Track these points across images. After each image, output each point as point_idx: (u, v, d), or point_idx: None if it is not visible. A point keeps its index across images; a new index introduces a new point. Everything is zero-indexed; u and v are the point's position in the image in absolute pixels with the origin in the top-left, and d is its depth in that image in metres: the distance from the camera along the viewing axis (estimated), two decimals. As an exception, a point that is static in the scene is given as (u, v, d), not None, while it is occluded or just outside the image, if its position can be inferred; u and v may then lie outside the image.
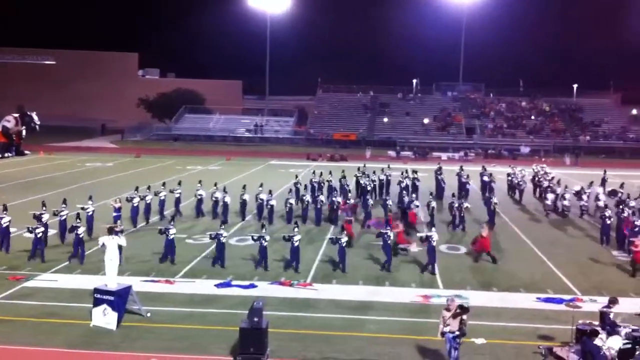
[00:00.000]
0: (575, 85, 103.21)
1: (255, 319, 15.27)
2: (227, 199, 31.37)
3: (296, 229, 23.84)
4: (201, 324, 17.99)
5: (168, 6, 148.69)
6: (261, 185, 33.28)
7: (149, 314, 18.45)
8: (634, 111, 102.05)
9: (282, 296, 20.54)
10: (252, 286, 21.47)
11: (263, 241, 23.16)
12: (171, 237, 23.58)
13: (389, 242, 23.71)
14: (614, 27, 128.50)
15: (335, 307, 19.73)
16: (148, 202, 30.50)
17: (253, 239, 23.63)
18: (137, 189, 30.86)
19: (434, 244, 23.60)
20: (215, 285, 21.44)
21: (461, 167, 43.26)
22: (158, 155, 67.23)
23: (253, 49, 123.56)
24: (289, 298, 20.42)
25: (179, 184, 33.73)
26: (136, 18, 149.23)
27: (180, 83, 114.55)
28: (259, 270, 23.20)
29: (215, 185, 33.20)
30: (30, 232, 23.97)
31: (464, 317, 14.98)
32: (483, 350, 16.51)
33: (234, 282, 21.73)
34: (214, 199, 31.89)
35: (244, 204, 31.92)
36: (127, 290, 18.24)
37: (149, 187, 31.21)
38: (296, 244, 23.24)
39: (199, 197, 32.22)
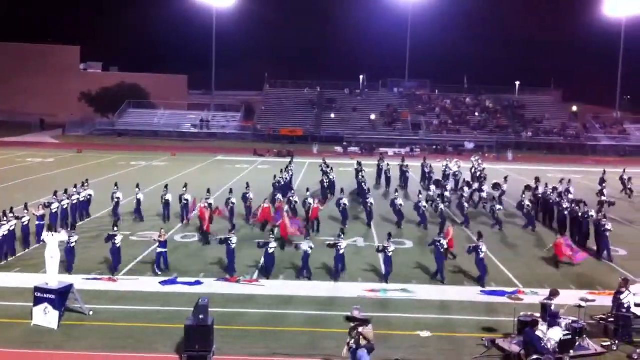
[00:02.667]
0: (517, 83, 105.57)
1: (201, 316, 15.12)
2: (140, 196, 30.78)
3: (342, 236, 23.14)
4: (146, 322, 17.72)
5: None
6: (185, 186, 32.09)
7: (91, 312, 18.08)
8: (574, 108, 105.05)
9: (228, 293, 20.38)
10: (198, 283, 21.26)
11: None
12: (233, 246, 22.46)
13: (441, 250, 22.80)
14: (555, 26, 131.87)
15: (283, 303, 19.67)
16: (65, 207, 28.62)
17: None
18: (55, 193, 29.05)
19: (341, 251, 22.50)
20: (160, 283, 21.17)
21: (403, 158, 46.62)
22: (101, 150, 65.88)
23: (199, 43, 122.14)
24: (235, 295, 20.28)
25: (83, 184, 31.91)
26: (78, 10, 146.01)
27: (124, 77, 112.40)
28: (205, 267, 22.96)
29: (116, 185, 31.77)
30: None
31: (360, 329, 13.94)
32: (428, 343, 16.70)
33: (179, 280, 21.48)
34: (115, 199, 30.61)
35: (166, 204, 30.98)
36: (68, 288, 17.83)
37: (65, 191, 29.85)
38: (342, 251, 22.38)
39: (116, 199, 30.64)
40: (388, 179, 42.42)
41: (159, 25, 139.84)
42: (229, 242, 22.29)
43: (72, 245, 21.97)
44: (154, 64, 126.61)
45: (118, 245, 22.34)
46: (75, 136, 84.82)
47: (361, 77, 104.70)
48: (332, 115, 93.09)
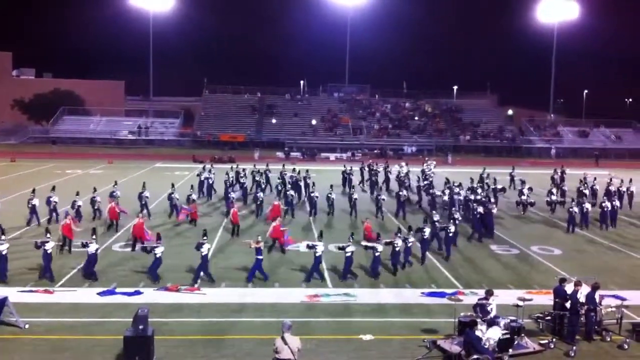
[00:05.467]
0: (455, 87, 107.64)
1: (141, 327, 14.83)
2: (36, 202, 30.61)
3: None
4: (83, 334, 17.24)
5: (43, 2, 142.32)
6: (53, 188, 32.55)
7: (26, 326, 17.49)
8: (510, 111, 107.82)
9: (168, 302, 20.03)
10: (138, 293, 20.81)
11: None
12: (319, 254, 22.45)
13: (409, 246, 24.21)
14: (491, 33, 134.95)
15: (224, 310, 19.47)
16: None
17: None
18: None
19: (377, 254, 23.35)
20: (98, 294, 20.63)
21: (375, 162, 50.42)
22: (35, 159, 64.14)
23: (135, 48, 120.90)
24: (176, 304, 19.94)
25: None
26: (9, 14, 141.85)
27: (58, 83, 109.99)
28: (145, 276, 22.51)
29: (33, 191, 31.75)
30: None
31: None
32: (370, 347, 16.77)
33: (118, 290, 21.01)
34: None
35: (33, 209, 30.71)
36: (2, 301, 17.25)
37: None
38: (377, 253, 23.07)
39: None
40: (389, 182, 45.59)
41: (94, 29, 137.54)
42: (316, 249, 22.54)
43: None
44: (90, 69, 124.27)
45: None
46: (8, 144, 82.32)
47: (302, 82, 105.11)
48: (273, 121, 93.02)
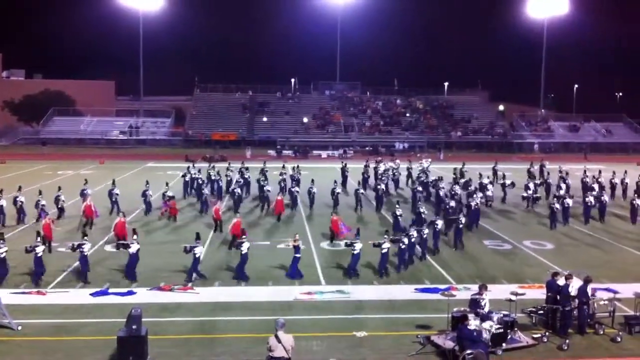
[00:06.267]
0: (446, 84, 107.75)
1: (134, 327, 14.78)
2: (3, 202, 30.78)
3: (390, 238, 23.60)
4: (77, 335, 17.21)
5: (33, 2, 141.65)
6: (19, 188, 32.64)
7: (19, 327, 17.44)
8: (501, 107, 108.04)
9: (162, 302, 20.00)
10: (131, 293, 20.77)
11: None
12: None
13: (403, 247, 23.64)
14: (482, 29, 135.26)
15: (218, 309, 19.46)
16: None
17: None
18: None
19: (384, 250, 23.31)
20: (90, 294, 20.57)
21: (380, 160, 50.54)
22: (26, 160, 63.89)
23: (126, 47, 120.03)
24: (169, 303, 19.91)
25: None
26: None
27: (48, 84, 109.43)
28: (138, 276, 22.42)
29: (1, 191, 31.65)
30: None
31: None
32: (364, 343, 16.79)
33: (110, 290, 20.95)
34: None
35: (0, 209, 30.83)
36: (-6, 303, 17.18)
37: None
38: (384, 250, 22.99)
39: None
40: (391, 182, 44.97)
41: (84, 30, 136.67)
42: (354, 247, 22.60)
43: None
44: (80, 69, 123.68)
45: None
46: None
47: (293, 80, 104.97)
48: (265, 119, 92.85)
